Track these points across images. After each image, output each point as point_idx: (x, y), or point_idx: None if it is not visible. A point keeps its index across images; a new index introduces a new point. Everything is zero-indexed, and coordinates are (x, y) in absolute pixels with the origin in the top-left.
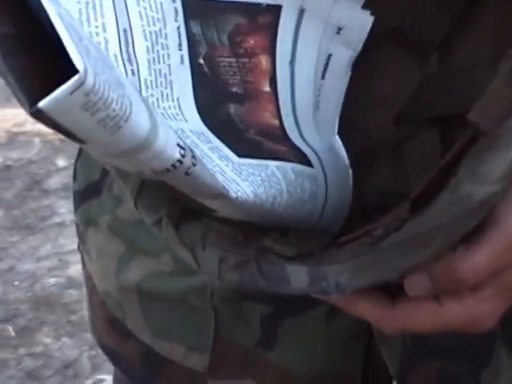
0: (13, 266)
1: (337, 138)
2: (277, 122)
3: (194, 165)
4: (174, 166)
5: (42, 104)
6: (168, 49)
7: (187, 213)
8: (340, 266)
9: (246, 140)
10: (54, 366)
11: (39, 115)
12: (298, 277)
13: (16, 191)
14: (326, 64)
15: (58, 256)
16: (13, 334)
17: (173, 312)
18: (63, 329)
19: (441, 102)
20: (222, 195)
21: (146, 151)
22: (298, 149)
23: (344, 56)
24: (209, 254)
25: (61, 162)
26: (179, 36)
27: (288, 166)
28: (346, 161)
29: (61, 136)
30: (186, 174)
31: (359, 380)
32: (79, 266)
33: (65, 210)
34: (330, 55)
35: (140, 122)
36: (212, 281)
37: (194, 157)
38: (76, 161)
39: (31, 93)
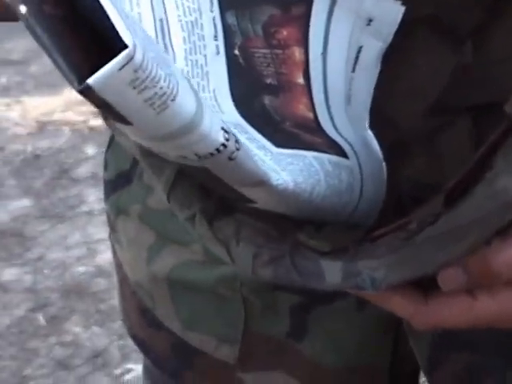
0: (42, 255)
1: (369, 131)
2: (311, 115)
3: (237, 149)
4: (218, 150)
5: (91, 80)
6: (204, 39)
7: (221, 208)
8: (375, 261)
9: (281, 131)
10: (84, 355)
11: (88, 92)
12: (332, 272)
13: (45, 180)
14: (357, 57)
15: (87, 245)
16: (43, 322)
17: (203, 303)
18: (92, 318)
19: (475, 92)
20: (262, 183)
21: (191, 134)
22: (333, 141)
23: (374, 48)
24: (243, 249)
25: (89, 151)
26: (215, 27)
27: (325, 157)
28: (380, 154)
29: (89, 124)
30: (230, 158)
31: (387, 371)
32: (107, 255)
33: (93, 198)
34: (360, 47)
35: (186, 102)
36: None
37: (237, 141)
38: (106, 151)
39: (79, 71)
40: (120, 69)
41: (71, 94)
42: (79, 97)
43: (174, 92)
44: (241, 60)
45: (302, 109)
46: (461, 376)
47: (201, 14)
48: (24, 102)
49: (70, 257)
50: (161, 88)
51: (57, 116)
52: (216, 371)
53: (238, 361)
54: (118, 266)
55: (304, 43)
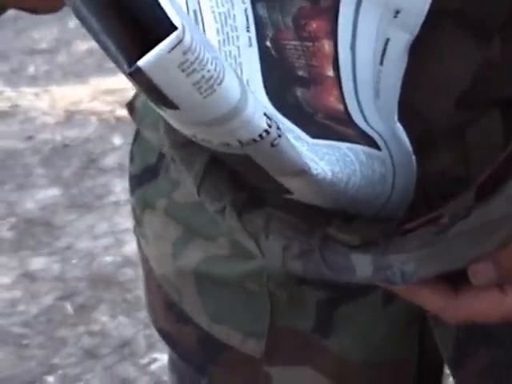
0: (70, 245)
1: (398, 124)
2: (341, 107)
3: (279, 136)
4: (261, 136)
5: (141, 62)
6: (237, 30)
7: (250, 201)
8: (405, 254)
9: (314, 123)
10: (111, 345)
11: (137, 75)
12: (362, 265)
13: (73, 170)
14: (384, 50)
15: (114, 235)
16: (71, 311)
17: (229, 297)
18: (119, 307)
19: (503, 86)
20: (303, 172)
21: (235, 119)
22: (364, 132)
23: (401, 40)
24: (272, 242)
25: (117, 141)
26: (247, 18)
27: (358, 147)
28: (409, 146)
29: (116, 114)
30: (272, 145)
31: (415, 366)
32: (134, 245)
33: (120, 188)
34: (387, 40)
35: (232, 87)
36: (267, 265)
37: (278, 128)
38: (132, 144)
39: (127, 54)
40: (170, 51)
41: (98, 84)
42: (106, 86)
43: (221, 76)
44: (273, 52)
45: (333, 101)
46: (486, 371)
47: (233, 5)
48: (52, 92)
49: (98, 246)
50: (208, 71)
51: (84, 105)
52: (242, 365)
53: (264, 355)
54: (144, 259)
55: (333, 36)
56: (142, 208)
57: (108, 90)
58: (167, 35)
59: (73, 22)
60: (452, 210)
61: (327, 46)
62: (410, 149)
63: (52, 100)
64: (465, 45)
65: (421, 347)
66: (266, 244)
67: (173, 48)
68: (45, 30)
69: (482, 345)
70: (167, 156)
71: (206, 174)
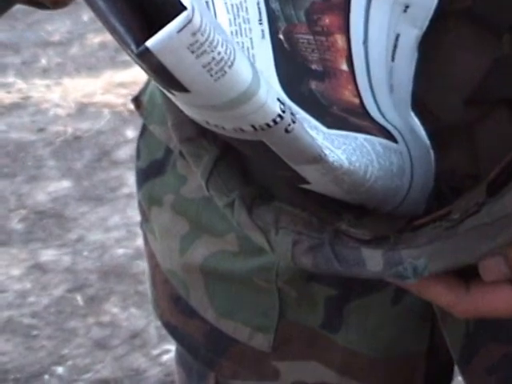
0: (82, 237)
1: (415, 118)
2: (357, 101)
3: (293, 122)
4: (274, 121)
5: (149, 43)
6: (249, 22)
7: (260, 196)
8: (417, 250)
9: (330, 114)
10: (122, 336)
11: (145, 56)
12: (373, 260)
13: (85, 162)
14: (395, 45)
15: (127, 227)
16: (81, 303)
17: (237, 292)
18: (131, 299)
19: None
20: (318, 159)
21: (247, 103)
22: (380, 125)
23: (411, 35)
24: (282, 236)
25: (129, 134)
26: (259, 11)
27: (375, 139)
28: (427, 141)
29: (129, 107)
30: (286, 131)
31: (424, 362)
32: None
33: (133, 181)
34: (398, 35)
35: (243, 70)
36: (277, 262)
37: (292, 114)
38: (139, 139)
39: (135, 36)
40: (179, 31)
41: (111, 77)
42: (119, 79)
43: (231, 58)
44: (286, 45)
45: (348, 95)
46: (494, 367)
47: None
48: (64, 84)
49: (110, 239)
50: (218, 53)
51: (97, 98)
52: (250, 359)
53: (272, 349)
54: (150, 254)
55: (346, 31)
56: (148, 203)
57: (121, 83)
58: (176, 16)
59: (86, 15)
60: (463, 206)
61: (340, 40)
62: (428, 143)
63: (64, 92)
64: (474, 44)
65: (431, 344)
66: (275, 238)
67: (182, 28)
68: (58, 23)
69: (491, 341)
70: (175, 151)
71: (214, 168)
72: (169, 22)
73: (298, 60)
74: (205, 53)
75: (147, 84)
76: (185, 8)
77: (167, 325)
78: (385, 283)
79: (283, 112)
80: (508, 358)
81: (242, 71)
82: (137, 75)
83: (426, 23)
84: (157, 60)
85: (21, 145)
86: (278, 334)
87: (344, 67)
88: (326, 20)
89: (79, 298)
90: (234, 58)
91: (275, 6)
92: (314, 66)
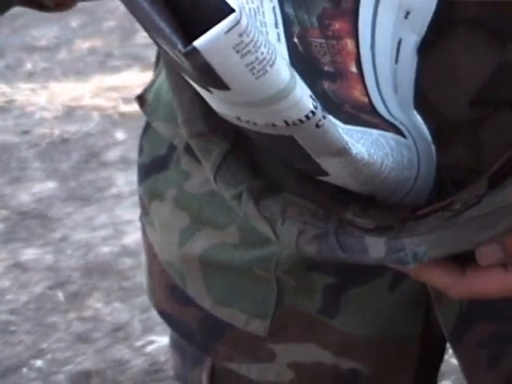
0: (66, 236)
1: (417, 116)
2: (366, 100)
3: (323, 117)
4: (307, 116)
5: (197, 43)
6: (266, 26)
7: (267, 188)
8: (418, 238)
9: (343, 112)
10: (104, 329)
11: (193, 55)
12: (375, 247)
13: (72, 163)
14: (398, 49)
15: (114, 226)
16: (62, 299)
17: (235, 282)
18: (115, 294)
19: None
20: (343, 151)
21: (284, 100)
22: (389, 122)
23: (411, 40)
24: (288, 226)
25: (119, 135)
26: (275, 15)
27: (387, 134)
28: (429, 137)
29: (119, 110)
30: (317, 126)
31: (418, 343)
32: (134, 236)
33: (122, 181)
34: (400, 40)
35: (282, 68)
36: (278, 252)
37: (322, 109)
38: (142, 136)
39: (181, 35)
40: (226, 32)
41: (101, 81)
42: (109, 83)
43: (273, 58)
44: (300, 47)
45: (358, 94)
46: (485, 345)
47: (262, 2)
48: (51, 88)
49: (96, 237)
50: (261, 53)
51: (85, 101)
52: (246, 343)
53: (268, 334)
54: (148, 245)
55: (355, 36)
56: (149, 198)
57: (111, 87)
58: (220, 18)
59: (75, 22)
60: (464, 197)
61: (350, 44)
62: (430, 138)
63: (50, 95)
64: (479, 51)
65: (426, 323)
66: (281, 228)
67: (229, 29)
68: (45, 29)
69: (482, 320)
70: (178, 148)
71: (223, 162)
72: (208, 23)
73: (312, 62)
74: (249, 53)
75: (153, 82)
76: (228, 9)
77: (162, 312)
78: (382, 271)
79: (315, 108)
80: (497, 335)
81: (282, 70)
82: (127, 80)
83: (424, 29)
84: (203, 59)
85: (4, 147)
86: (275, 320)
87: (353, 69)
88: (337, 25)
89: (60, 295)
90: (275, 58)
91: (290, 11)
92: (326, 68)
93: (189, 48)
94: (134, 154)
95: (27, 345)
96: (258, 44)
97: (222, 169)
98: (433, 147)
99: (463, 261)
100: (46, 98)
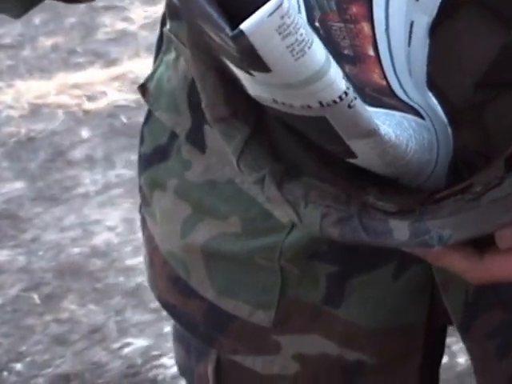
0: (37, 237)
1: (432, 98)
2: (384, 83)
3: (355, 98)
4: (340, 97)
5: (244, 26)
6: None
7: (288, 173)
8: (441, 220)
9: (366, 95)
10: (81, 331)
11: (239, 39)
12: (400, 230)
13: (40, 162)
14: (410, 32)
15: (83, 226)
16: (38, 301)
17: (238, 271)
18: (89, 296)
19: None
20: (373, 132)
21: (319, 81)
22: (408, 105)
23: (423, 22)
24: (311, 210)
25: (84, 133)
26: (298, 1)
27: (409, 116)
28: (445, 119)
29: (84, 107)
30: (349, 106)
31: (423, 333)
32: (103, 236)
33: (89, 180)
34: (412, 22)
35: (318, 50)
36: (281, 241)
37: (354, 90)
38: (143, 126)
39: (228, 19)
40: (270, 15)
41: (65, 78)
42: (73, 80)
43: (311, 40)
44: (321, 32)
45: (376, 77)
46: (494, 334)
47: None
48: (16, 86)
49: (65, 238)
50: (301, 35)
51: (51, 99)
52: (251, 334)
53: (273, 325)
54: (149, 237)
55: (370, 19)
56: (151, 188)
57: (75, 84)
58: (254, 3)
59: (38, 19)
60: (484, 179)
61: (366, 28)
62: (446, 120)
63: (16, 93)
64: (483, 32)
65: (430, 312)
66: (304, 212)
67: (272, 12)
68: (9, 26)
69: (490, 308)
70: (180, 136)
71: (245, 146)
72: (248, 7)
73: (333, 46)
74: (290, 34)
75: (154, 71)
76: None
77: (165, 304)
78: (386, 259)
79: (347, 89)
80: (505, 324)
81: (318, 51)
82: (90, 77)
83: (435, 11)
84: (248, 42)
85: None
86: (279, 311)
87: (371, 52)
88: (353, 9)
89: (35, 297)
90: (313, 40)
91: None
92: (346, 52)
93: (236, 31)
94: (99, 153)
95: (6, 348)
96: (298, 26)
97: (245, 153)
98: (449, 129)
99: (481, 246)
100: (12, 96)
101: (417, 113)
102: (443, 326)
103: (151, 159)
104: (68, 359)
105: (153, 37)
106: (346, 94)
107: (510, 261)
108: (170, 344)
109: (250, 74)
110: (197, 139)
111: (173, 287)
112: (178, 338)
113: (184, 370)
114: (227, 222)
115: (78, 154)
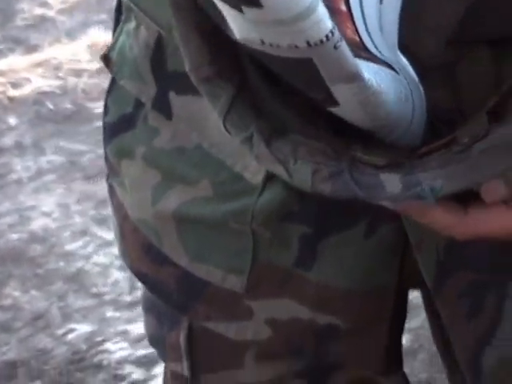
0: None
1: (402, 57)
2: (357, 38)
3: (340, 39)
4: (327, 36)
5: None
6: None
7: (276, 130)
8: (432, 172)
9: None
10: (25, 318)
11: None
12: (392, 183)
13: None
14: None
15: (19, 212)
16: None
17: (210, 236)
18: (30, 282)
19: (494, 26)
20: (356, 76)
21: (308, 18)
22: (381, 60)
23: None
24: (301, 166)
25: (12, 121)
26: None
27: (385, 68)
28: (416, 77)
29: (9, 95)
30: (335, 47)
31: (394, 293)
32: (40, 222)
33: (20, 167)
34: None
35: None
36: (253, 204)
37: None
38: (107, 96)
39: None
40: None
41: None
42: None
43: None
44: None
45: (350, 32)
46: (465, 292)
47: None
48: None
49: (2, 224)
50: None
51: None
52: (224, 300)
53: (245, 290)
54: (118, 206)
55: None
56: (118, 157)
57: None
58: None
59: None
60: (469, 132)
61: None
62: (417, 79)
63: None
64: None
65: (401, 274)
66: (294, 168)
67: None
68: None
69: (460, 268)
70: (147, 104)
71: (231, 106)
72: None
73: None
74: None
75: (116, 41)
76: None
77: (138, 273)
78: (357, 218)
79: (334, 28)
80: (475, 284)
81: None
82: (12, 63)
83: None
84: None
85: None
86: (252, 275)
87: (343, 7)
88: None
89: None
90: None
91: None
92: (324, 2)
93: None
94: (27, 139)
95: None
96: None
97: (231, 113)
98: (421, 88)
99: (465, 202)
100: None
101: (391, 68)
102: (406, 290)
103: (117, 128)
104: (13, 346)
105: (71, 22)
106: (332, 33)
107: (494, 215)
108: (113, 329)
109: (241, 11)
110: (163, 106)
111: (145, 255)
112: (148, 307)
113: (155, 340)
114: (197, 186)
115: (7, 141)
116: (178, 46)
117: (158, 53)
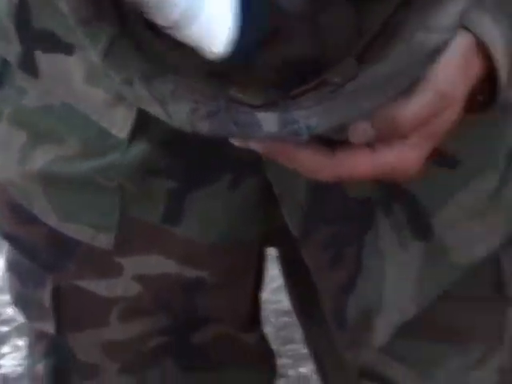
0: None
1: None
2: None
3: None
4: None
5: None
6: None
7: (156, 70)
8: (308, 110)
9: None
10: None
11: None
12: (268, 122)
13: None
14: None
15: None
16: None
17: (78, 195)
18: None
19: None
20: None
21: None
22: None
23: None
24: (179, 106)
25: None
26: None
27: None
28: None
29: None
30: None
31: (258, 248)
32: None
33: None
34: None
35: None
36: (119, 159)
37: None
38: None
39: None
40: None
41: None
42: None
43: None
44: None
45: None
46: (327, 243)
47: None
48: None
49: None
50: None
51: None
52: (95, 258)
53: (115, 247)
54: None
55: None
56: None
57: None
58: None
59: None
60: (339, 73)
61: None
62: None
63: None
64: None
65: (266, 229)
66: (173, 108)
67: None
68: None
69: (322, 223)
70: (13, 65)
71: (112, 46)
72: None
73: None
74: None
75: None
76: None
77: (7, 235)
78: (221, 172)
79: None
80: (336, 236)
81: None
82: None
83: None
84: None
85: None
86: (120, 232)
87: None
88: None
89: None
90: None
91: None
92: None
93: None
94: None
95: None
96: None
97: (111, 53)
98: None
99: (333, 147)
100: None
101: None
102: (265, 247)
103: None
104: None
105: None
106: None
107: (359, 157)
108: None
109: None
110: (29, 65)
111: (14, 215)
112: (12, 267)
113: (19, 300)
114: (65, 144)
115: None
116: (43, 2)
117: (21, 10)
